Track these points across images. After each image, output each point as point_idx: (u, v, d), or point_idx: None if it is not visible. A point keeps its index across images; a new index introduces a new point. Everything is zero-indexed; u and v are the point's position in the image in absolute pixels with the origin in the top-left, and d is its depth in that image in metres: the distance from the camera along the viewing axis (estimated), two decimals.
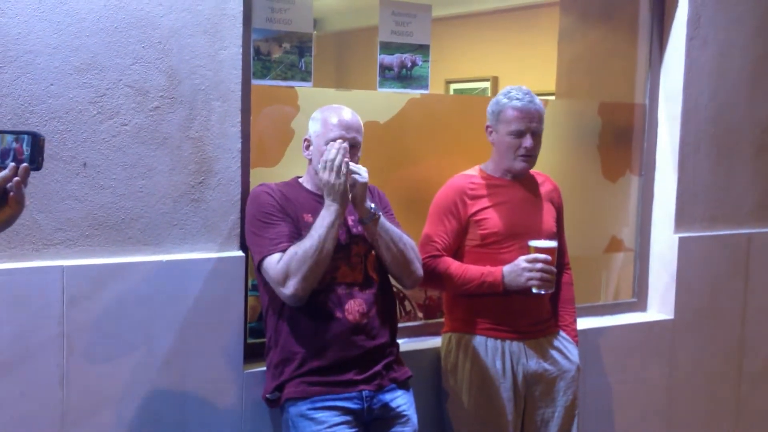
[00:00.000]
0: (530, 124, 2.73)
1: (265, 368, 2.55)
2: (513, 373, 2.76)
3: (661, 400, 3.61)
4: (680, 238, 3.57)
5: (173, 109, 2.46)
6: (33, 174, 2.27)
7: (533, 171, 2.93)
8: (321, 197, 2.47)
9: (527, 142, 2.73)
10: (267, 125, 2.83)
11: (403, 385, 2.55)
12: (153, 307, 2.45)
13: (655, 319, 3.62)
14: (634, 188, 3.70)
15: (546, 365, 2.81)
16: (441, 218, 2.79)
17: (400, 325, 2.73)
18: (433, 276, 2.73)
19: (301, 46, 2.80)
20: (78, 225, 2.36)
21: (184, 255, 2.51)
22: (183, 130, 2.48)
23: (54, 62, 2.29)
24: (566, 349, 2.86)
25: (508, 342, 2.77)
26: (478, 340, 2.78)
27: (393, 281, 2.63)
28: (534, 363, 2.79)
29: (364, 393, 2.43)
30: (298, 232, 2.42)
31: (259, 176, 2.71)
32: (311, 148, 2.50)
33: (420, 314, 3.29)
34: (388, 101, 3.07)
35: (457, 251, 2.81)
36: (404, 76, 3.02)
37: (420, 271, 2.57)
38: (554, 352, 2.83)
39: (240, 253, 2.58)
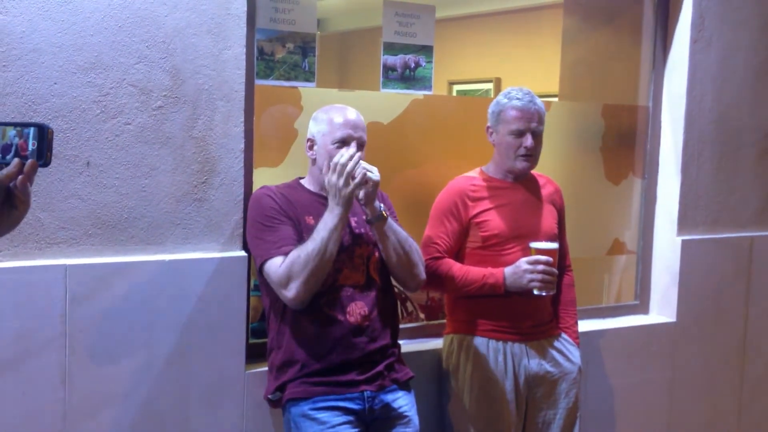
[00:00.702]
0: (530, 124, 2.73)
1: (266, 368, 2.55)
2: (514, 374, 2.76)
3: (662, 403, 3.61)
4: (683, 241, 3.57)
5: (177, 109, 2.46)
6: (36, 172, 2.27)
7: (535, 172, 2.93)
8: (323, 198, 2.47)
9: (528, 141, 2.73)
10: (270, 125, 2.83)
11: (404, 385, 2.55)
12: (155, 307, 2.45)
13: (657, 321, 3.62)
14: (636, 191, 3.70)
15: (548, 367, 2.80)
16: (442, 220, 2.78)
17: (401, 326, 2.73)
18: (435, 278, 2.73)
19: (305, 46, 2.80)
20: (81, 224, 2.36)
21: (186, 255, 2.51)
22: (186, 129, 2.48)
23: (58, 61, 2.29)
24: (568, 351, 2.86)
25: (509, 343, 2.77)
26: (480, 342, 2.77)
27: (394, 283, 2.63)
28: (535, 364, 2.78)
29: (365, 393, 2.43)
30: (299, 235, 2.41)
31: (262, 176, 2.71)
32: (315, 147, 2.50)
33: (421, 315, 3.29)
34: (391, 102, 3.07)
35: (458, 253, 2.81)
36: (407, 77, 3.02)
37: (423, 274, 2.56)
38: (556, 354, 2.83)
39: (243, 253, 2.58)
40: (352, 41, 5.92)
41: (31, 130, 1.41)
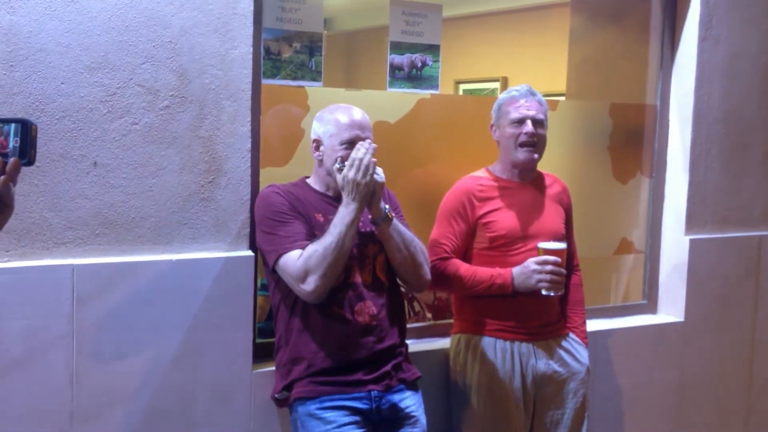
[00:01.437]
0: (528, 112, 2.74)
1: (273, 368, 2.55)
2: (522, 374, 2.75)
3: (670, 403, 3.60)
4: (691, 240, 3.56)
5: (183, 109, 2.46)
6: (43, 172, 2.27)
7: (542, 172, 2.92)
8: (330, 198, 2.47)
9: (527, 127, 2.73)
10: (277, 125, 2.82)
11: (411, 385, 2.55)
12: (162, 307, 2.45)
13: (666, 321, 3.61)
14: (644, 190, 3.69)
15: (555, 367, 2.80)
16: (449, 220, 2.78)
17: (408, 325, 2.72)
18: (443, 278, 2.72)
19: (312, 45, 2.80)
20: (88, 224, 2.37)
21: (193, 254, 2.51)
22: (193, 129, 2.48)
23: (65, 61, 2.30)
24: (575, 351, 2.85)
25: (517, 343, 2.76)
26: (487, 342, 2.77)
27: (400, 283, 2.62)
28: (543, 364, 2.78)
29: (372, 393, 2.43)
30: (310, 232, 2.41)
31: (269, 176, 2.70)
32: (322, 148, 2.49)
33: (429, 315, 3.28)
34: (398, 101, 3.06)
35: (465, 254, 2.81)
36: (414, 76, 3.01)
37: (428, 275, 2.56)
38: (563, 354, 2.82)
39: (249, 253, 2.58)
40: (358, 40, 5.91)
41: (12, 126, 1.30)
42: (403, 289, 2.65)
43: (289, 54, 2.76)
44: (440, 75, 3.06)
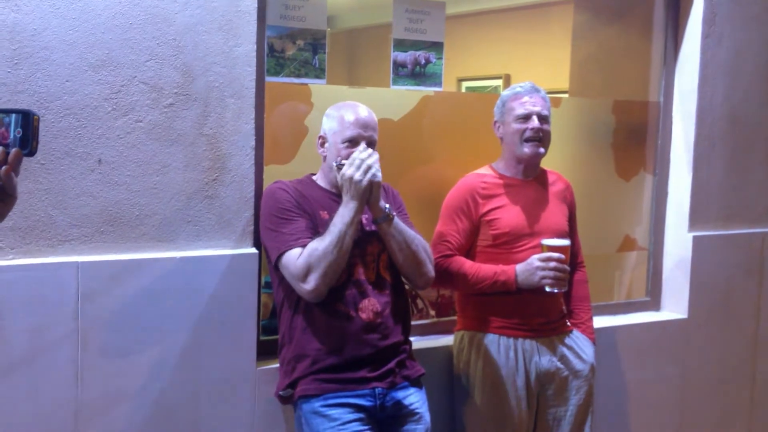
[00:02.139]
0: (534, 108, 2.75)
1: (277, 365, 2.55)
2: (526, 371, 2.75)
3: (674, 399, 3.60)
4: (694, 237, 3.56)
5: (187, 106, 2.47)
6: (48, 170, 2.27)
7: (545, 169, 2.92)
8: (335, 195, 2.47)
9: (533, 123, 2.73)
10: (280, 122, 2.83)
11: (415, 382, 2.55)
12: (166, 304, 2.45)
13: (669, 318, 3.61)
14: (647, 187, 3.69)
15: (559, 364, 2.80)
16: (453, 218, 2.78)
17: (412, 323, 2.73)
18: (446, 275, 2.73)
19: (315, 43, 2.80)
20: (92, 221, 2.37)
21: (197, 252, 2.51)
22: (197, 127, 2.49)
23: (69, 58, 2.30)
24: (579, 348, 2.85)
25: (520, 340, 2.77)
26: (491, 339, 2.77)
27: (404, 280, 2.62)
28: (546, 361, 2.78)
29: (376, 390, 2.43)
30: (315, 229, 2.42)
31: (273, 173, 2.71)
32: (326, 145, 2.50)
33: (432, 312, 3.28)
34: (401, 98, 3.06)
35: (469, 251, 2.81)
36: (418, 74, 3.02)
37: (432, 272, 2.56)
38: (567, 351, 2.83)
39: (254, 250, 2.59)
40: (362, 38, 5.91)
41: (13, 117, 1.31)
42: (407, 287, 2.66)
43: (292, 51, 2.77)
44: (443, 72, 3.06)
